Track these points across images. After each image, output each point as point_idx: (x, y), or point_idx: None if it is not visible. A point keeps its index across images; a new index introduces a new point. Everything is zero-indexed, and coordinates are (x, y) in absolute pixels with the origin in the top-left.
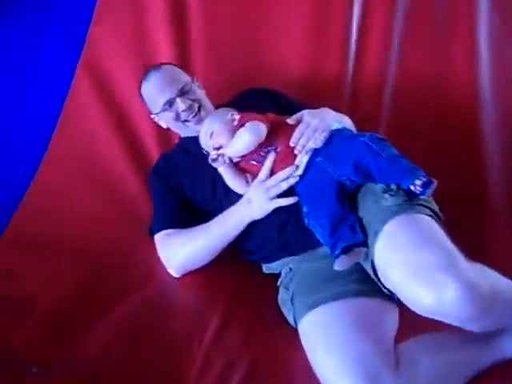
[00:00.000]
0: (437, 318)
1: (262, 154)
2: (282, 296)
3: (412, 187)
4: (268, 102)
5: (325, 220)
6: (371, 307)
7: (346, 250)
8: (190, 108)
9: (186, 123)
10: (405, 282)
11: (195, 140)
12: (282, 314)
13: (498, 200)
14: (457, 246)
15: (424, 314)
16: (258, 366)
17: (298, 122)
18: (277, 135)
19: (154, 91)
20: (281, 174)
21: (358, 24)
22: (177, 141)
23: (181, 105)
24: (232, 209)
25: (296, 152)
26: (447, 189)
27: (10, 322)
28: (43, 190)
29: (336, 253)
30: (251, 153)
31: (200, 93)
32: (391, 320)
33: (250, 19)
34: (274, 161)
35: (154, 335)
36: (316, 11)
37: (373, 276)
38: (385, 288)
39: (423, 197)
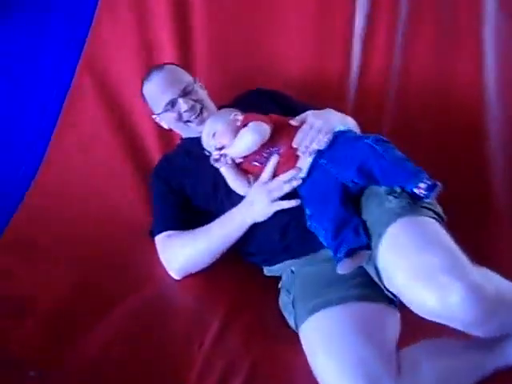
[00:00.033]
0: (441, 321)
1: (265, 155)
2: (283, 299)
3: (416, 190)
4: (270, 102)
5: (328, 223)
6: (372, 312)
7: (349, 253)
8: (192, 108)
9: (188, 124)
10: (408, 285)
11: (197, 141)
12: (282, 316)
13: (502, 200)
14: (461, 247)
15: (428, 317)
16: (258, 369)
17: (302, 123)
18: (280, 136)
19: (156, 91)
20: (283, 177)
21: (362, 24)
22: (178, 141)
23: (183, 105)
24: (234, 210)
25: (299, 153)
26: (450, 189)
27: (9, 322)
28: (44, 190)
29: (339, 256)
30: (254, 154)
31: (202, 93)
32: (393, 325)
33: (253, 19)
34: (277, 162)
35: (154, 336)
36: (319, 11)
37: (376, 279)
38: (388, 291)
39: (427, 200)
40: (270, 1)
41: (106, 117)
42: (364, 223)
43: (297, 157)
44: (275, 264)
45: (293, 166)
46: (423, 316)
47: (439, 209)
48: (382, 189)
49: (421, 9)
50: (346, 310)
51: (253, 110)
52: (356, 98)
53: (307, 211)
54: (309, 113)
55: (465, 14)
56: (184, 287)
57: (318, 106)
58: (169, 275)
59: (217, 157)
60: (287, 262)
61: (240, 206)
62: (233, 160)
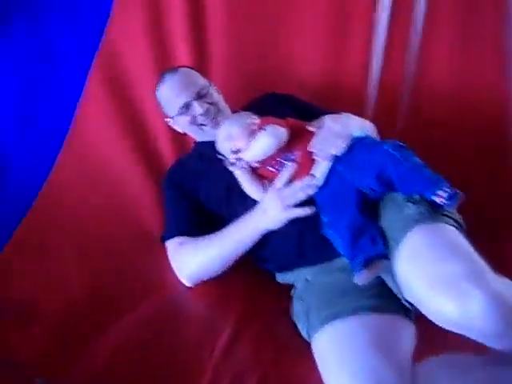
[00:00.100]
0: (459, 330)
1: (281, 160)
2: (296, 308)
3: (435, 198)
4: (286, 107)
5: (345, 231)
6: (387, 324)
7: (366, 264)
8: (207, 111)
9: (203, 127)
10: (427, 293)
11: (211, 144)
12: (294, 325)
13: None
14: (482, 256)
15: (446, 327)
16: (268, 379)
17: (319, 128)
18: (296, 141)
19: (171, 94)
20: (298, 184)
21: (382, 27)
22: (192, 145)
23: (198, 108)
24: (247, 217)
25: (315, 157)
26: (469, 197)
27: (17, 327)
28: (56, 191)
29: (356, 265)
30: (270, 158)
31: (217, 96)
32: (407, 337)
33: (269, 20)
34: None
35: (165, 343)
36: (336, 12)
37: (393, 288)
38: (405, 301)
39: (447, 209)
40: (287, 1)
41: (120, 118)
42: (382, 231)
43: (313, 162)
44: (289, 271)
45: (309, 172)
46: (442, 325)
47: (458, 216)
48: (401, 195)
49: (439, 15)
50: (359, 321)
51: (268, 114)
52: (374, 101)
53: (323, 218)
54: (326, 117)
55: (487, 17)
56: (195, 294)
57: (335, 108)
58: (180, 282)
59: (233, 160)
60: (301, 270)
61: (253, 212)
62: (248, 164)
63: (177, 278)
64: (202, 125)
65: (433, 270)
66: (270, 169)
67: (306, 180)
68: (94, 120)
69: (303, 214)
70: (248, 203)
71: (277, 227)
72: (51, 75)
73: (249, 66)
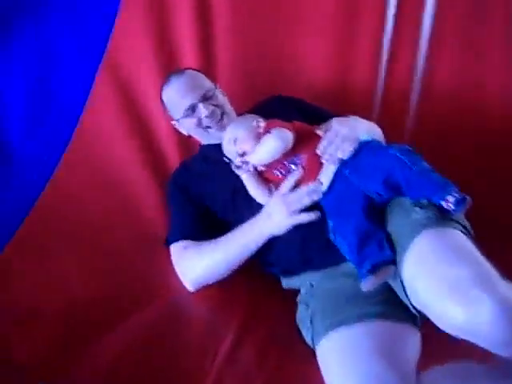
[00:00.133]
0: (467, 337)
1: (287, 164)
2: (301, 313)
3: (443, 203)
4: (292, 109)
5: (351, 236)
6: (393, 331)
7: (373, 270)
8: (212, 114)
9: (208, 130)
10: (434, 298)
11: (216, 147)
12: (298, 331)
13: None
14: (490, 262)
15: (454, 333)
16: None
17: (326, 131)
18: (303, 144)
19: (176, 96)
20: (304, 189)
21: (390, 28)
22: (197, 146)
23: (203, 110)
24: (252, 221)
25: (323, 161)
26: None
27: (17, 329)
28: (59, 192)
29: (363, 271)
30: (276, 162)
31: (223, 99)
32: (413, 345)
33: (276, 22)
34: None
35: (168, 347)
36: (344, 13)
37: (401, 294)
38: (412, 307)
39: (456, 214)
40: (294, 2)
41: (126, 119)
42: (389, 236)
43: (320, 166)
44: (294, 275)
45: (315, 177)
46: (448, 331)
47: (466, 222)
48: (408, 200)
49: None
50: (364, 328)
51: (274, 117)
52: (381, 108)
53: (329, 223)
54: (334, 120)
55: (496, 17)
56: (199, 298)
57: (342, 109)
58: (184, 285)
59: (238, 163)
60: (307, 274)
61: (258, 216)
62: (254, 167)
63: (180, 281)
64: (207, 127)
65: (440, 275)
66: (276, 173)
67: (312, 185)
68: (99, 121)
69: (308, 219)
70: (253, 206)
71: (282, 232)
72: (58, 76)
73: (255, 68)
